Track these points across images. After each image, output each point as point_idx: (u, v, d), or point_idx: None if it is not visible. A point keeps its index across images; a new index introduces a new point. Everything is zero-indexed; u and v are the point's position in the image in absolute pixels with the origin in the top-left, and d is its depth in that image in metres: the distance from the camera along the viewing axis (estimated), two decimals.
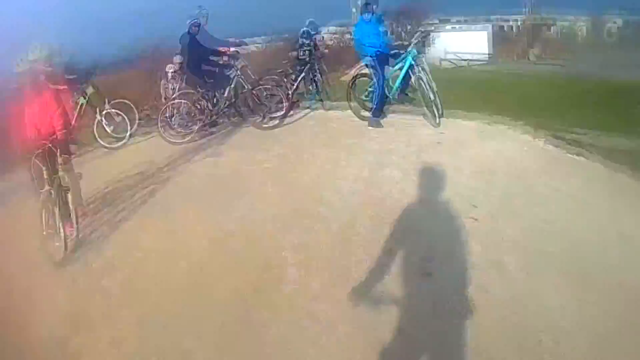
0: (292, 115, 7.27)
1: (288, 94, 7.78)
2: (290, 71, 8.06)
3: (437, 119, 5.83)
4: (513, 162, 4.82)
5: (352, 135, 5.99)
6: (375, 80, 5.98)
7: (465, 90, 10.44)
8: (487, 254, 3.37)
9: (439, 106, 5.78)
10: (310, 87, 7.92)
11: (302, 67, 7.92)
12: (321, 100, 7.87)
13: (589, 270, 3.13)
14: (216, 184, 4.92)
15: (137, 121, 6.95)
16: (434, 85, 5.77)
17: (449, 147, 5.27)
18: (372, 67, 5.96)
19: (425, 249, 3.45)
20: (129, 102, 6.89)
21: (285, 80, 8.12)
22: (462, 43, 19.31)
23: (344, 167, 5.03)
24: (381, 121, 6.21)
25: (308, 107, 7.68)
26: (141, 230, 4.21)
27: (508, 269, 3.25)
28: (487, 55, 21.02)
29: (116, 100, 6.77)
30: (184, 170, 5.46)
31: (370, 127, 6.12)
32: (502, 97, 8.83)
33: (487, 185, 4.38)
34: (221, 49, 7.32)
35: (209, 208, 4.36)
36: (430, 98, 5.78)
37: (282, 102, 6.96)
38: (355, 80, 6.50)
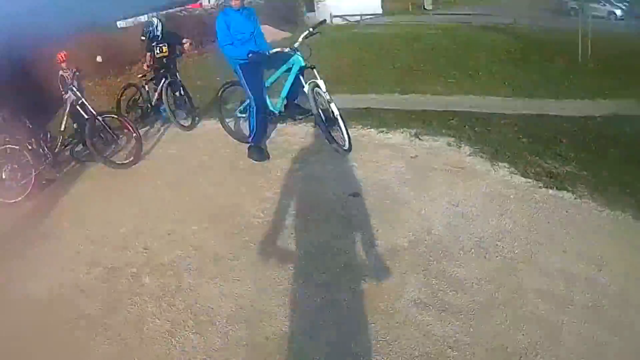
0: (155, 135, 5.71)
1: (144, 113, 6.07)
2: (151, 77, 6.23)
3: (346, 143, 4.20)
4: (482, 239, 3.08)
5: (228, 185, 4.16)
6: (249, 92, 4.29)
7: (366, 53, 9.21)
8: None
9: (345, 128, 4.21)
10: (176, 96, 6.13)
11: (163, 71, 6.10)
12: (193, 114, 6.14)
13: None
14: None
15: None
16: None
17: (375, 213, 3.38)
18: (244, 73, 4.27)
19: None
20: None
21: (144, 89, 6.32)
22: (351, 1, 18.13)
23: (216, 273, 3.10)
24: (265, 147, 4.58)
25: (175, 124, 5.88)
26: None
27: None
28: (379, 8, 20.13)
29: None
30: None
31: (252, 160, 4.44)
32: (413, 59, 7.67)
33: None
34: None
35: None
36: (332, 114, 4.14)
37: (136, 130, 5.17)
38: (224, 88, 4.85)
